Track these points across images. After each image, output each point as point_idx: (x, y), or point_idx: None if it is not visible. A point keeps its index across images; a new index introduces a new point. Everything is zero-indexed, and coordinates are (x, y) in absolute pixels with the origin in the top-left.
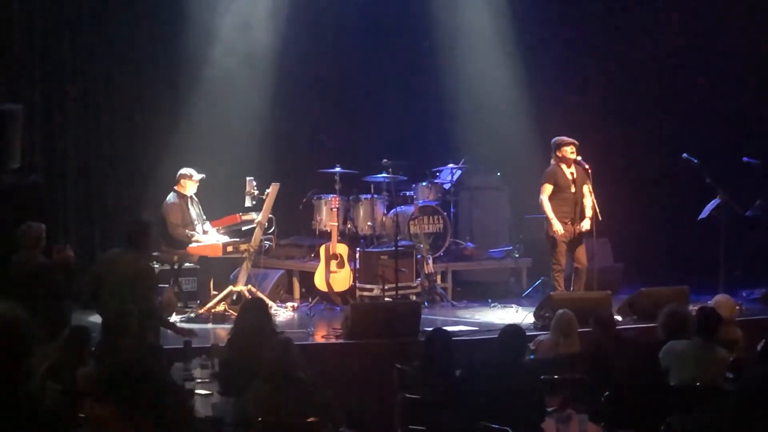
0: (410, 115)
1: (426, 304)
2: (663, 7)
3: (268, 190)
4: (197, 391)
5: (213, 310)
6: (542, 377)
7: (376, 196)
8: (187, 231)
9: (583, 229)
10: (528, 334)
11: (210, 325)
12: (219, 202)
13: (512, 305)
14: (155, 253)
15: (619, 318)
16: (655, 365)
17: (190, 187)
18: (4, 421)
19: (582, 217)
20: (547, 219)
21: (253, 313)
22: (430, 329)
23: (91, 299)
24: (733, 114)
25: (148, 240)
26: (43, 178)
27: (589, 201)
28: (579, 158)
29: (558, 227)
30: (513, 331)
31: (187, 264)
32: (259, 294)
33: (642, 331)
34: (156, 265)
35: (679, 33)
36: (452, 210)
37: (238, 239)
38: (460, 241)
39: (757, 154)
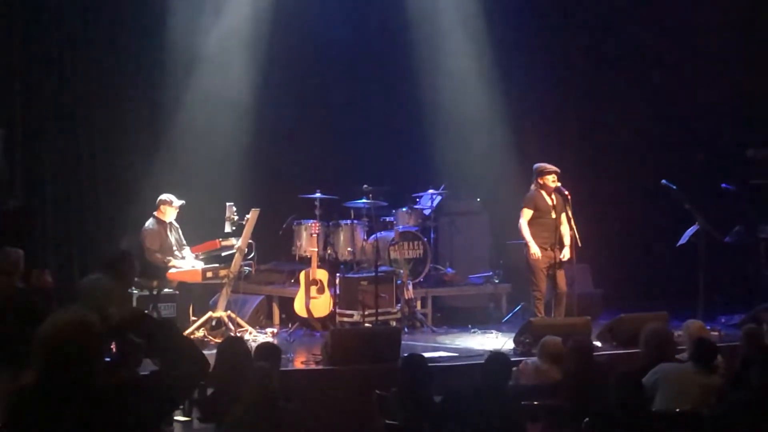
0: (390, 141)
1: (406, 329)
2: (643, 33)
3: (247, 216)
4: (176, 418)
5: (192, 336)
6: (523, 403)
7: (356, 221)
8: (164, 257)
9: (564, 259)
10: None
11: None
12: (199, 227)
13: (492, 331)
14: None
15: (598, 344)
16: (636, 391)
17: (169, 213)
18: (81, 416)
19: (561, 244)
20: (525, 244)
21: (230, 354)
22: (404, 355)
23: None
24: (711, 140)
25: (126, 268)
26: (21, 203)
27: (566, 229)
28: (559, 185)
29: (535, 251)
30: (498, 358)
31: (166, 290)
32: (239, 320)
33: (622, 357)
34: (135, 291)
35: (659, 58)
36: (432, 235)
37: (217, 265)
38: (440, 267)
39: (735, 180)
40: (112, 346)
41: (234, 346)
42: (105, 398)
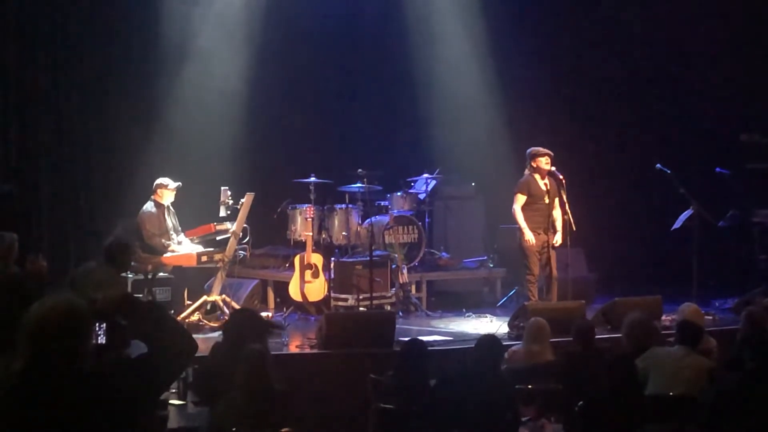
0: (385, 125)
1: (401, 314)
2: (636, 20)
3: (242, 200)
4: (171, 402)
5: (187, 320)
6: (516, 387)
7: (350, 206)
8: (163, 240)
9: (556, 244)
10: (503, 344)
11: None
12: (194, 211)
13: (486, 315)
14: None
15: None
16: (630, 374)
17: (167, 196)
18: (69, 400)
19: (554, 229)
20: (519, 229)
21: (240, 322)
22: (406, 339)
23: None
24: (705, 125)
25: (125, 258)
26: (16, 188)
27: (559, 213)
28: (553, 168)
29: (530, 237)
30: (489, 341)
31: (161, 273)
32: (234, 304)
33: (616, 341)
34: (130, 275)
35: (652, 45)
36: (427, 220)
37: (212, 249)
38: (434, 251)
39: (729, 165)
40: (100, 330)
41: (245, 314)
42: (93, 382)
